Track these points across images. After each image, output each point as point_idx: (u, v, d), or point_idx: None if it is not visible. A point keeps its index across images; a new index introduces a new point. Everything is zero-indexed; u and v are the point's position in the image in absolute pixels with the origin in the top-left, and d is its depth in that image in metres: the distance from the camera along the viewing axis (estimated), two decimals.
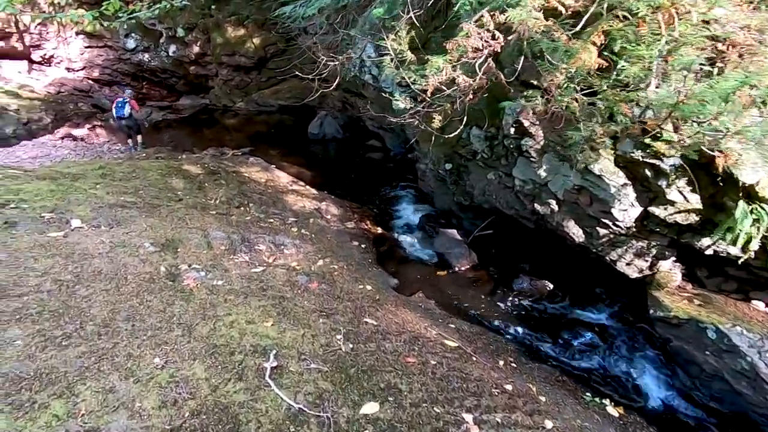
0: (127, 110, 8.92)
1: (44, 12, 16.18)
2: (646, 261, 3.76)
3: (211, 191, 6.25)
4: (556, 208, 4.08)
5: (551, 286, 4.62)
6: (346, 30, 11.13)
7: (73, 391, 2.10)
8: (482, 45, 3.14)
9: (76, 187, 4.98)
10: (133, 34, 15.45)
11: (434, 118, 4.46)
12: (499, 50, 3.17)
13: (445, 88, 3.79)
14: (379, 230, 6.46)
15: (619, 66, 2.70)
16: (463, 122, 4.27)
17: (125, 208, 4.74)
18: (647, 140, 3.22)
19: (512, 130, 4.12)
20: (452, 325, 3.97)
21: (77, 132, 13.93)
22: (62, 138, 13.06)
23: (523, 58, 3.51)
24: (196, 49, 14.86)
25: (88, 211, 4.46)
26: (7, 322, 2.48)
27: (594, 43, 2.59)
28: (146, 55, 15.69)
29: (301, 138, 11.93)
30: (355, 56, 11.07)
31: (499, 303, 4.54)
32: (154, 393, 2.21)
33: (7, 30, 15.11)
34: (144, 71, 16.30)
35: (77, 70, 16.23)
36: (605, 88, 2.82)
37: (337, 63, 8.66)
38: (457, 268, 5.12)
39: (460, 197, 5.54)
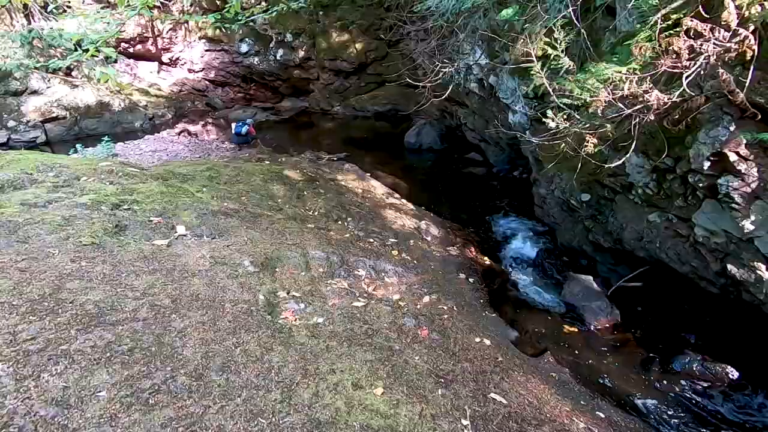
0: (244, 131, 9.99)
1: (175, 19, 17.76)
2: None
3: (310, 201, 5.89)
4: (765, 274, 2.94)
5: (735, 373, 3.42)
6: (454, 34, 10.35)
7: None
8: (711, 47, 2.20)
9: (184, 190, 4.86)
10: (246, 39, 16.26)
11: (587, 141, 3.53)
12: (750, 54, 2.20)
13: (621, 105, 2.88)
14: (487, 261, 5.60)
15: None
16: (631, 148, 3.29)
17: (228, 217, 4.48)
18: None
19: (706, 165, 3.06)
20: (601, 414, 3.01)
21: (192, 128, 14.95)
22: (179, 133, 14.06)
23: (752, 68, 2.48)
24: (301, 53, 15.18)
25: (193, 218, 4.25)
26: (96, 361, 2.12)
27: None
28: (256, 59, 16.43)
29: (397, 146, 11.43)
30: (461, 63, 10.27)
31: (657, 385, 3.46)
32: None
33: (145, 35, 16.77)
34: (253, 74, 17.11)
35: (197, 72, 17.54)
36: None
37: (451, 69, 7.93)
38: (592, 326, 4.10)
39: (599, 236, 4.49)
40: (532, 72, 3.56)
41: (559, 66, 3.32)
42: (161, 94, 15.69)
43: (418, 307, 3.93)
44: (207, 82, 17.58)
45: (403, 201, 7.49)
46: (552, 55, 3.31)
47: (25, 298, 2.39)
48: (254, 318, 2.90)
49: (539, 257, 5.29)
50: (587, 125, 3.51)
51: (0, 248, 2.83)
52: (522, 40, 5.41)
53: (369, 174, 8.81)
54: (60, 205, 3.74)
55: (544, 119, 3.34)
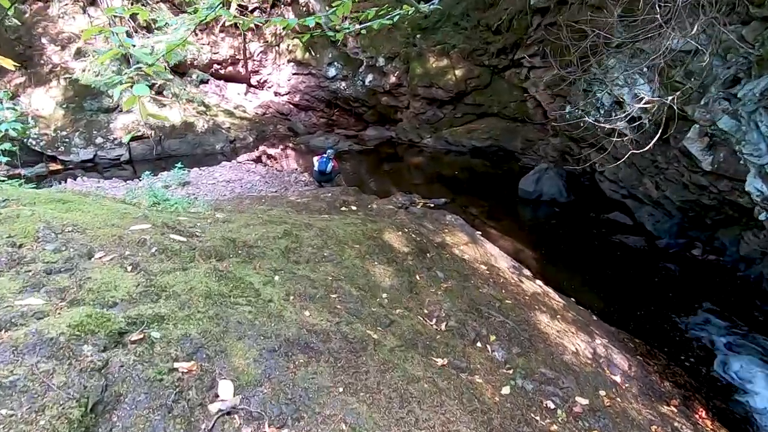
0: (329, 167, 8.40)
1: (267, 42, 17.06)
2: None
3: (429, 295, 3.72)
4: None
5: None
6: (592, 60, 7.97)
7: None
8: None
9: (244, 285, 2.89)
10: (335, 63, 14.96)
11: None
12: None
13: None
14: None
15: None
16: None
17: (310, 355, 2.41)
18: None
19: None
20: None
21: (271, 152, 13.75)
22: (257, 158, 12.85)
23: None
24: (392, 79, 13.47)
25: (251, 360, 2.22)
26: None
27: None
28: (343, 84, 15.05)
29: (504, 192, 9.04)
30: (605, 95, 7.87)
31: None
32: None
33: (236, 57, 16.15)
34: (338, 99, 15.75)
35: (282, 95, 16.58)
36: None
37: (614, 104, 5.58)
38: None
39: None
40: None
41: None
42: (245, 117, 14.77)
43: None
44: (291, 105, 16.56)
45: (541, 285, 5.09)
46: None
47: None
48: None
49: None
50: None
51: None
52: None
53: (480, 233, 6.53)
54: (11, 341, 1.86)
55: None
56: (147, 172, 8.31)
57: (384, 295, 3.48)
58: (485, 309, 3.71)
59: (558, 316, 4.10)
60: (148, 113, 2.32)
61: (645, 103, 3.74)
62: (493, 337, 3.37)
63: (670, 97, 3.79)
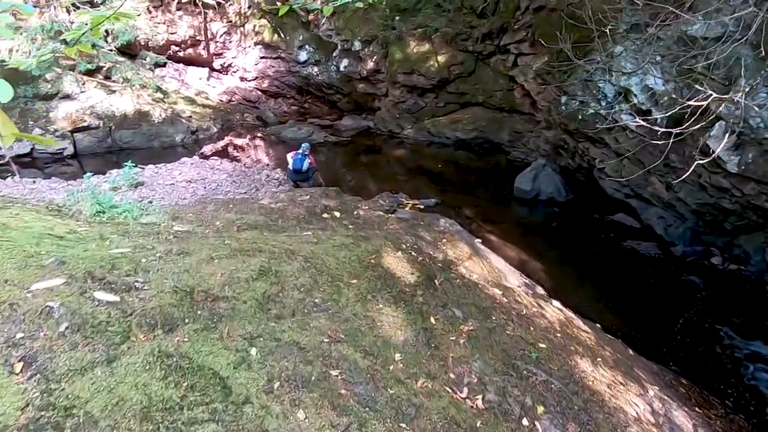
0: (305, 164, 7.30)
1: (230, 22, 15.38)
2: None
3: (450, 347, 2.87)
4: None
5: None
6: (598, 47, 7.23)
7: None
8: None
9: (206, 377, 1.92)
10: (306, 46, 13.61)
11: None
12: None
13: None
14: None
15: None
16: None
17: None
18: None
19: None
20: None
21: (239, 143, 12.41)
22: (223, 150, 11.53)
23: None
24: (370, 64, 12.33)
25: None
26: None
27: None
28: (315, 69, 13.75)
29: (494, 188, 8.30)
30: (607, 85, 7.22)
31: None
32: None
33: (197, 38, 14.43)
34: (310, 85, 14.44)
35: (249, 80, 15.05)
36: None
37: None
38: None
39: None
40: None
41: None
42: (208, 104, 13.24)
43: None
44: (259, 92, 15.08)
45: (561, 308, 4.38)
46: None
47: None
48: None
49: None
50: None
51: None
52: None
53: (479, 240, 5.76)
54: None
55: None
56: (89, 173, 6.94)
57: (398, 357, 2.60)
58: (522, 363, 2.90)
59: (598, 359, 3.37)
60: (13, 133, 1.27)
61: (704, 100, 2.98)
62: (540, 409, 2.57)
63: (735, 95, 3.07)
